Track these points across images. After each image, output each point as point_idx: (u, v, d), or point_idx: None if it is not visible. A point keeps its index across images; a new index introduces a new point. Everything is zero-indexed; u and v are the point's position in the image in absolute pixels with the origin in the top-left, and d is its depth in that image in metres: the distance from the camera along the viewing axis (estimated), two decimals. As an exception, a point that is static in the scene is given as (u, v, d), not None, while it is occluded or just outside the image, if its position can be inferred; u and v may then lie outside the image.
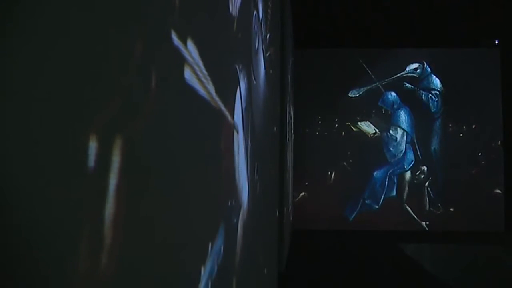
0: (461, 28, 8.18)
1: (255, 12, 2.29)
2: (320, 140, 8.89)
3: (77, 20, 0.58)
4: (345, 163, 8.83)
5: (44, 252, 0.51)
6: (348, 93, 8.94)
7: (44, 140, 0.52)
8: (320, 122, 8.93)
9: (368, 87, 8.91)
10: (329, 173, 8.84)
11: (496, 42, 8.96)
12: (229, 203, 1.55)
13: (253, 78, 2.21)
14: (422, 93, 9.01)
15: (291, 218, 7.28)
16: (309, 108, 8.80)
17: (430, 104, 9.01)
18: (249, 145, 2.03)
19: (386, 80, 8.94)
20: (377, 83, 8.86)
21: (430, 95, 9.00)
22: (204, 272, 1.18)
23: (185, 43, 1.00)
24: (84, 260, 0.60)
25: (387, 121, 9.00)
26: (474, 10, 7.47)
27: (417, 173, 8.89)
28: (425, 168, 8.92)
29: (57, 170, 0.53)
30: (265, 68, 2.76)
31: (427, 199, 8.87)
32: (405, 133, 8.94)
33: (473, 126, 8.91)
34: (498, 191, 8.72)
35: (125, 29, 0.72)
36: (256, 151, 2.30)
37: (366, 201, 8.77)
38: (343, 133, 8.95)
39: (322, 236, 7.96)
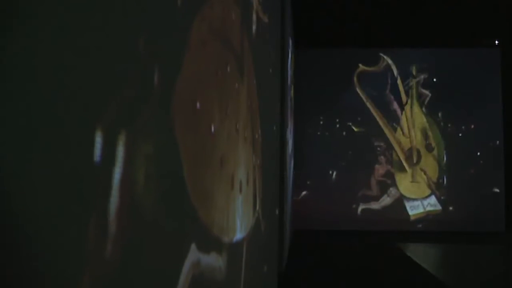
0: (461, 28, 8.19)
1: (254, 11, 2.31)
2: (322, 140, 8.95)
3: (79, 18, 0.58)
4: (346, 162, 8.88)
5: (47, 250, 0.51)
6: (348, 94, 9.01)
7: (48, 138, 0.52)
8: (322, 122, 9.00)
9: (370, 89, 8.98)
10: (330, 172, 8.89)
11: (496, 42, 8.96)
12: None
13: (253, 76, 2.23)
14: (421, 95, 9.06)
15: (291, 218, 7.29)
16: (311, 109, 8.88)
17: (429, 105, 9.05)
18: (251, 141, 2.04)
19: (387, 82, 9.00)
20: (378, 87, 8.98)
21: (429, 96, 9.05)
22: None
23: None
24: (88, 259, 0.60)
25: (388, 121, 9.03)
26: (474, 10, 7.47)
27: (416, 171, 8.94)
28: (424, 166, 8.96)
29: (59, 169, 0.53)
30: (264, 67, 2.78)
31: (427, 197, 8.90)
32: (405, 133, 9.02)
33: (473, 126, 8.91)
34: (497, 190, 8.73)
35: (130, 28, 0.73)
36: (255, 147, 2.31)
37: (367, 198, 8.85)
38: (344, 133, 9.00)
39: (322, 236, 7.96)
